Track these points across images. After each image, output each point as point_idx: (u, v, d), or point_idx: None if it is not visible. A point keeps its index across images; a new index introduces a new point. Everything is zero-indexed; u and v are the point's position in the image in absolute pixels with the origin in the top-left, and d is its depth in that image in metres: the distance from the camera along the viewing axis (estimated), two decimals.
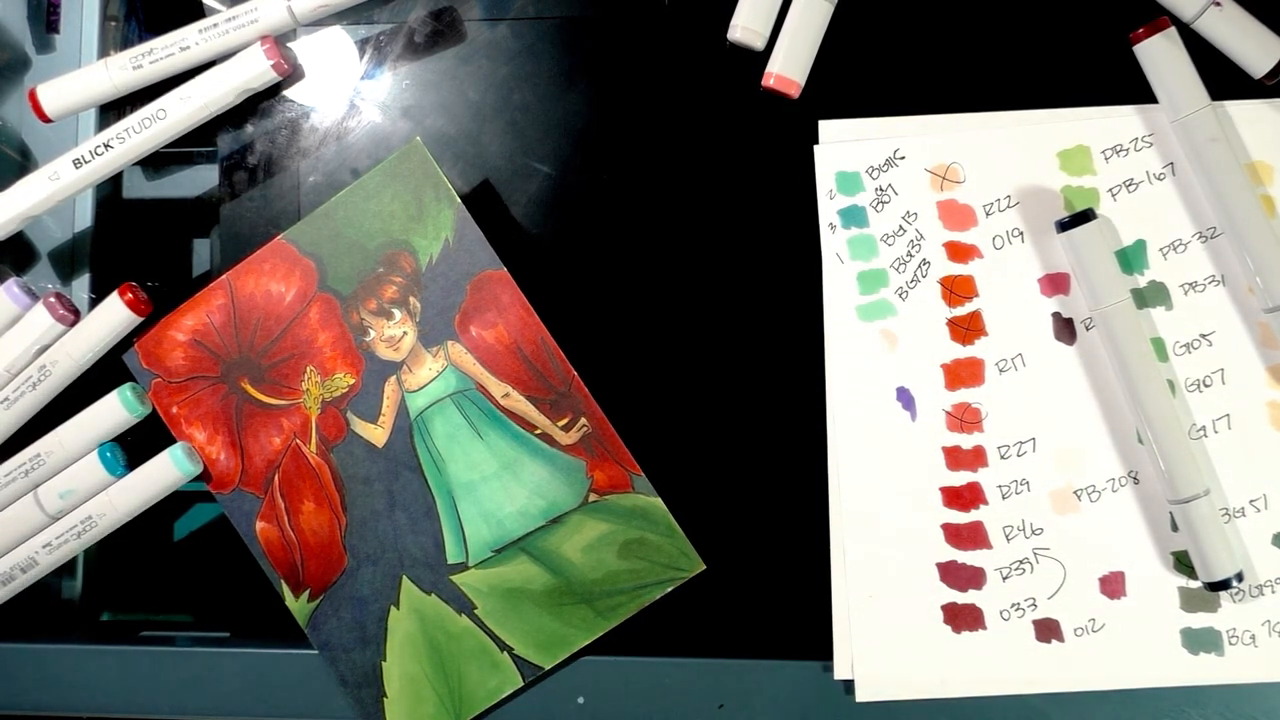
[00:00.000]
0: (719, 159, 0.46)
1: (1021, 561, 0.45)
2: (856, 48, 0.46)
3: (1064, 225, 0.44)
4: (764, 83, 0.46)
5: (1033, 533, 0.45)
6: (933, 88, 0.46)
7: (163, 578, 0.52)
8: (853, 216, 0.46)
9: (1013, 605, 0.45)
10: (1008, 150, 0.45)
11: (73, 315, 0.46)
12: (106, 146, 0.45)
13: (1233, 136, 0.44)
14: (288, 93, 0.48)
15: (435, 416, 0.46)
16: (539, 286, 0.46)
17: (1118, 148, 0.45)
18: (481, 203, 0.47)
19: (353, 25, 0.48)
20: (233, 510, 0.47)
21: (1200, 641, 0.44)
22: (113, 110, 0.49)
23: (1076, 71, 0.45)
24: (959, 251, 0.45)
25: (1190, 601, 0.44)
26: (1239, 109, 0.44)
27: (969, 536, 0.45)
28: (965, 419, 0.45)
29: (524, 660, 0.46)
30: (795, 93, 0.46)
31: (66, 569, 0.50)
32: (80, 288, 0.50)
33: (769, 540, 0.46)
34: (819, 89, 0.46)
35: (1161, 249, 0.45)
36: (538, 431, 0.46)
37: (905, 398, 0.46)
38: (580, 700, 0.47)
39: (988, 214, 0.45)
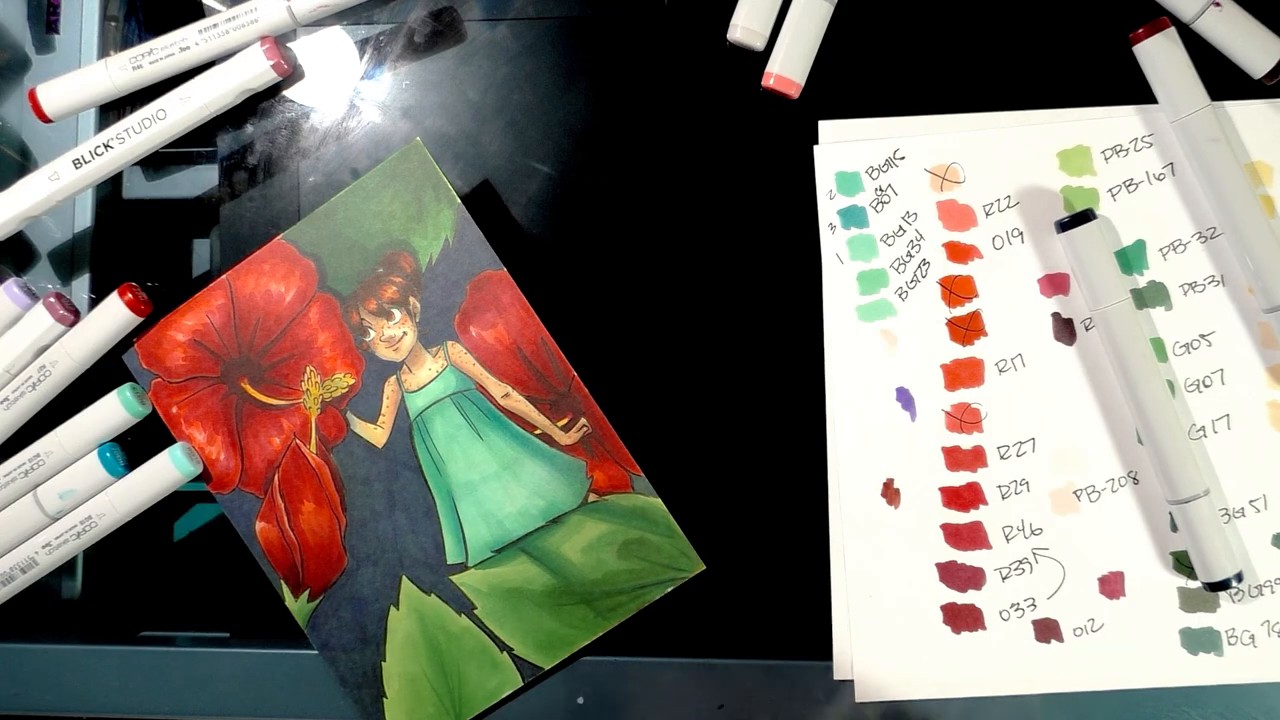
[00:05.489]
0: (719, 159, 0.46)
1: (1021, 562, 0.45)
2: (856, 48, 0.46)
3: (1064, 225, 0.44)
4: (764, 83, 0.46)
5: (1032, 533, 0.45)
6: (933, 88, 0.46)
7: (163, 578, 0.52)
8: (853, 216, 0.46)
9: (1012, 605, 0.45)
10: (1008, 150, 0.45)
11: (73, 315, 0.46)
12: (106, 146, 0.45)
13: (1233, 136, 0.44)
14: (288, 93, 0.48)
15: (435, 417, 0.46)
16: (539, 286, 0.46)
17: (1117, 148, 0.45)
18: (481, 203, 0.47)
19: (353, 25, 0.48)
20: (232, 510, 0.47)
21: (1199, 642, 0.44)
22: (113, 110, 0.49)
23: (1076, 71, 0.45)
24: (959, 251, 0.45)
25: (1189, 602, 0.44)
26: (1239, 109, 0.44)
27: (969, 536, 0.45)
28: (965, 419, 0.45)
29: (524, 660, 0.46)
30: (795, 93, 0.46)
31: (66, 569, 0.50)
32: (80, 288, 0.50)
33: (769, 540, 0.46)
34: (819, 89, 0.46)
35: (1161, 249, 0.45)
36: (538, 432, 0.46)
37: (905, 398, 0.46)
38: (580, 700, 0.47)
39: (987, 214, 0.45)
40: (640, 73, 0.47)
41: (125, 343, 0.47)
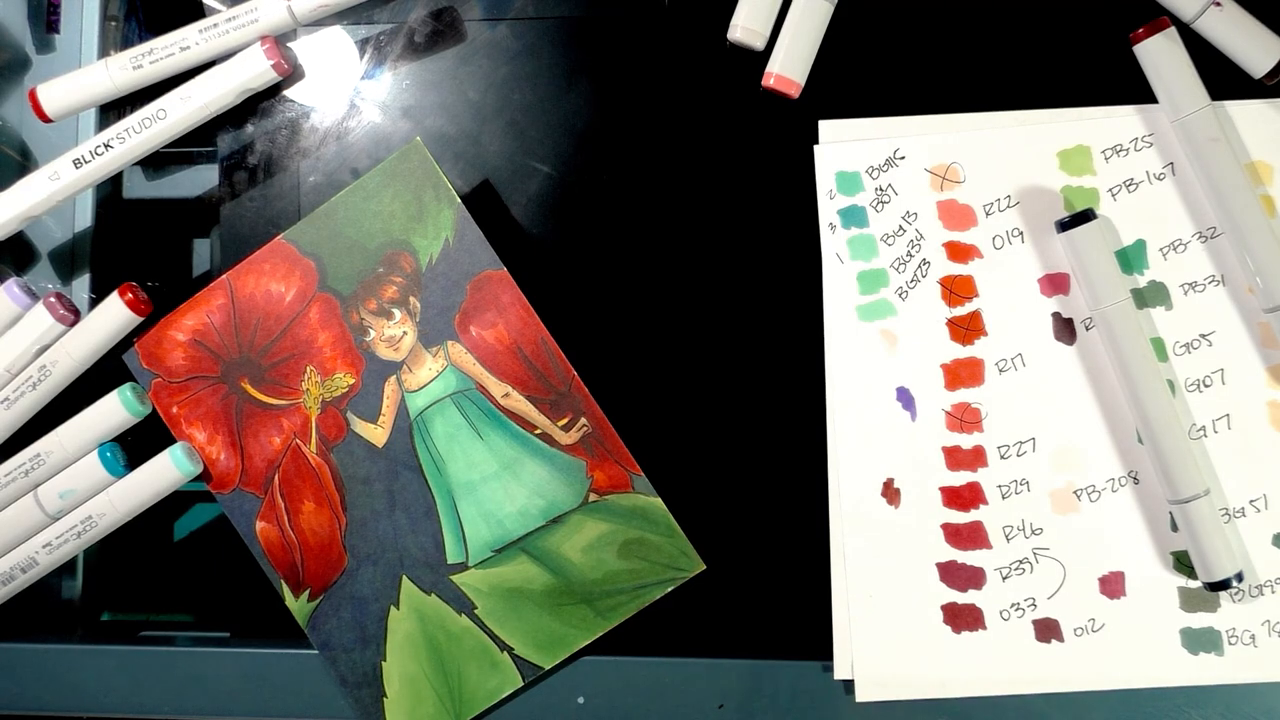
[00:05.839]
0: (719, 159, 0.46)
1: (1021, 561, 0.45)
2: (856, 48, 0.46)
3: (1064, 225, 0.44)
4: (764, 83, 0.46)
5: (1033, 533, 0.45)
6: (933, 88, 0.46)
7: (163, 578, 0.52)
8: (853, 216, 0.46)
9: (1012, 605, 0.45)
10: (1008, 150, 0.45)
11: (73, 315, 0.46)
12: (106, 146, 0.45)
13: (1233, 136, 0.44)
14: (288, 93, 0.48)
15: (435, 416, 0.46)
16: (539, 286, 0.46)
17: (1118, 148, 0.45)
18: (481, 203, 0.47)
19: (353, 25, 0.48)
20: (233, 510, 0.47)
21: (1200, 641, 0.44)
22: (113, 110, 0.49)
23: (1076, 71, 0.45)
24: (959, 251, 0.45)
25: (1190, 601, 0.44)
26: (1239, 109, 0.44)
27: (969, 536, 0.45)
28: (965, 419, 0.45)
29: (524, 660, 0.46)
30: (795, 93, 0.46)
31: (66, 569, 0.50)
32: (80, 288, 0.50)
33: (769, 540, 0.46)
34: (819, 89, 0.46)
35: (1161, 249, 0.45)
36: (538, 431, 0.46)
37: (905, 398, 0.46)
38: (580, 700, 0.47)
39: (988, 214, 0.45)
40: (640, 73, 0.47)
41: (125, 343, 0.47)
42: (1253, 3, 0.44)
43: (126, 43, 0.50)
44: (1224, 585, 0.43)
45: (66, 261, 0.50)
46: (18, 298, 0.46)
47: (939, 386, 0.45)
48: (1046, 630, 0.45)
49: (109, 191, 0.51)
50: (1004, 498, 0.45)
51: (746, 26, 0.45)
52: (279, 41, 0.46)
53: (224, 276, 0.47)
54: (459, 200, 0.46)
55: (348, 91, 0.48)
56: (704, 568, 0.46)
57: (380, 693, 0.47)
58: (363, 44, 0.48)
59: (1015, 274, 0.45)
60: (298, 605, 0.47)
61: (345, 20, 0.48)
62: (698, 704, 0.46)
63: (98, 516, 0.46)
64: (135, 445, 0.47)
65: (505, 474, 0.46)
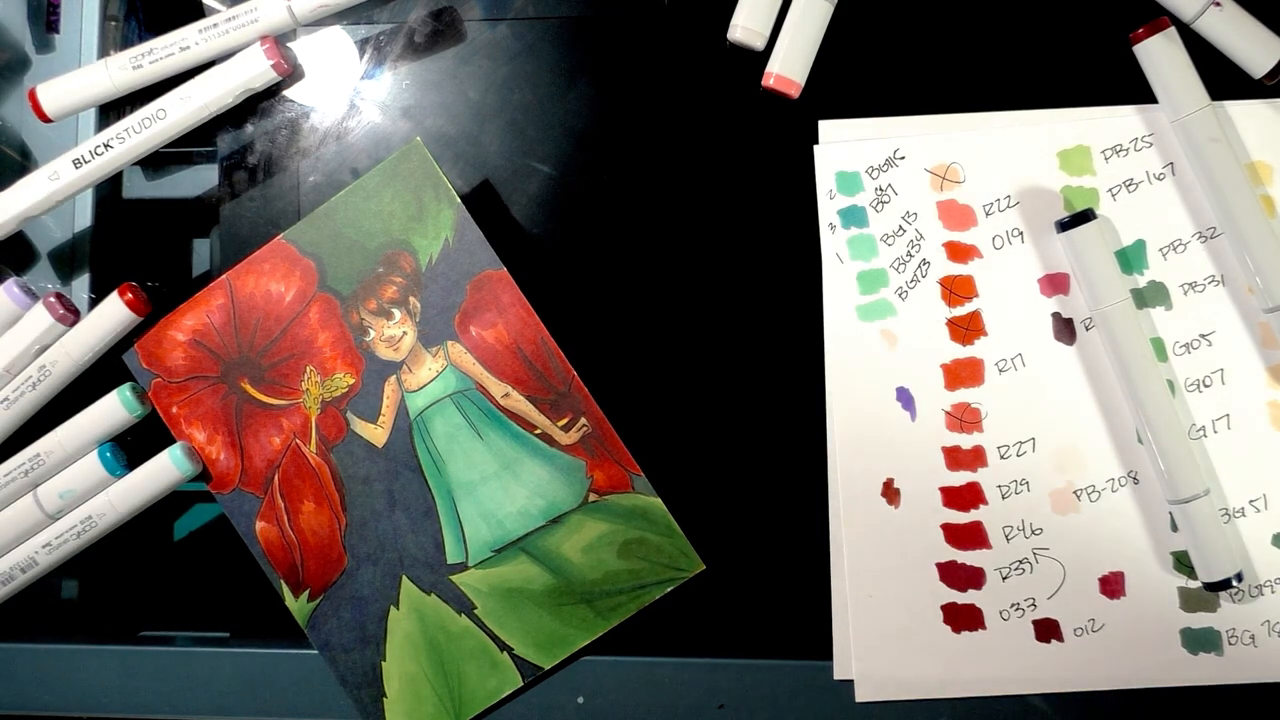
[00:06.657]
0: (719, 159, 0.46)
1: (1021, 561, 0.45)
2: (856, 48, 0.46)
3: (1064, 225, 0.44)
4: (764, 83, 0.46)
5: (1032, 533, 0.45)
6: (933, 88, 0.46)
7: (162, 578, 0.52)
8: (853, 216, 0.46)
9: (1012, 605, 0.45)
10: (1008, 150, 0.45)
11: (73, 315, 0.46)
12: (106, 146, 0.45)
13: (1233, 136, 0.44)
14: (288, 93, 0.48)
15: (435, 416, 0.46)
16: (539, 286, 0.46)
17: (1118, 148, 0.45)
18: (481, 203, 0.47)
19: (353, 25, 0.48)
20: (233, 510, 0.47)
21: (1200, 641, 0.44)
22: (113, 110, 0.49)
23: (1076, 71, 0.45)
24: (959, 251, 0.45)
25: (1190, 601, 0.44)
26: (1239, 109, 0.44)
27: (969, 536, 0.45)
28: (965, 419, 0.45)
29: (524, 660, 0.46)
30: (795, 93, 0.46)
31: (66, 569, 0.50)
32: (80, 288, 0.50)
33: (769, 540, 0.46)
34: (819, 89, 0.46)
35: (1161, 249, 0.45)
36: (538, 431, 0.46)
37: (905, 398, 0.46)
38: (580, 700, 0.47)
39: (987, 214, 0.45)
40: (640, 73, 0.47)
41: (125, 343, 0.47)
42: (1253, 3, 0.44)
43: (126, 43, 0.50)
44: (1224, 585, 0.43)
45: (66, 261, 0.50)
46: (18, 298, 0.46)
47: (939, 386, 0.45)
48: (1046, 630, 0.45)
49: (109, 191, 0.51)
50: (1004, 498, 0.45)
51: (746, 26, 0.45)
52: (279, 41, 0.46)
53: (224, 276, 0.47)
54: (459, 200, 0.46)
55: (348, 91, 0.48)
56: (704, 568, 0.46)
57: (380, 693, 0.47)
58: (363, 44, 0.48)
59: (1015, 274, 0.45)
60: (297, 605, 0.47)
61: (345, 20, 0.48)
62: (698, 704, 0.46)
63: (97, 516, 0.46)
64: (135, 445, 0.47)
65: (505, 474, 0.46)
